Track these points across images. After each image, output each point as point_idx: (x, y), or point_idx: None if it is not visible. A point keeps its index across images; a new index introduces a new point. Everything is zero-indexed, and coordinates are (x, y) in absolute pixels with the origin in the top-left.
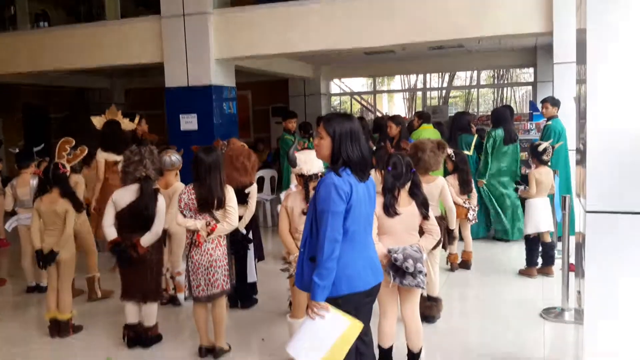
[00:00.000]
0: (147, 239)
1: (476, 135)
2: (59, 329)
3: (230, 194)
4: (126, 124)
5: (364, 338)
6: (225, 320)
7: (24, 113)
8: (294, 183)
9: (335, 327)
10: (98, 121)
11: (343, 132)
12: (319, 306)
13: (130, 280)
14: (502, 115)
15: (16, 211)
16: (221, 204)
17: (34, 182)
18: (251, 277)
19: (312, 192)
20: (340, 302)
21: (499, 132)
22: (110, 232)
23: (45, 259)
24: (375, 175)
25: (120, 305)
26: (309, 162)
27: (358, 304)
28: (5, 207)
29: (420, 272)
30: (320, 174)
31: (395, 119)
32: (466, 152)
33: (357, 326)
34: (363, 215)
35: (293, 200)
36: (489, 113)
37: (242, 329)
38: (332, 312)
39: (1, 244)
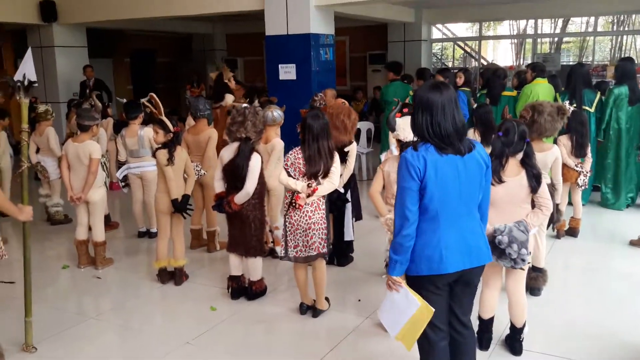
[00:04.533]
0: (239, 197)
1: (599, 93)
2: (173, 275)
3: (336, 157)
4: (231, 84)
5: (462, 318)
6: (324, 281)
7: (132, 57)
8: (393, 144)
9: (408, 306)
10: (214, 75)
11: (422, 105)
12: (393, 280)
13: (234, 235)
14: (628, 72)
15: (127, 160)
16: (328, 172)
17: (142, 132)
18: (348, 236)
19: None
20: (423, 282)
21: (623, 90)
22: (218, 185)
23: (185, 204)
24: (473, 135)
25: (224, 256)
26: (407, 128)
27: (447, 285)
28: (119, 157)
29: (523, 259)
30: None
31: (443, 72)
32: (587, 108)
33: (427, 310)
34: (453, 193)
35: (391, 165)
36: (605, 62)
37: (338, 288)
38: (405, 290)
39: (114, 187)
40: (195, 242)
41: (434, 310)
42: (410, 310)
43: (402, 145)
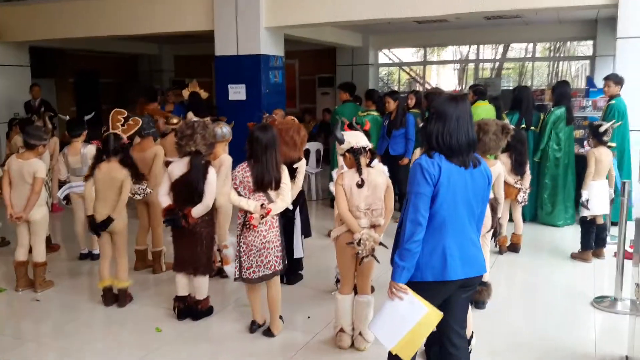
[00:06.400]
0: (197, 211)
1: (542, 114)
2: (117, 297)
3: (285, 172)
4: (203, 94)
5: (459, 330)
6: (279, 300)
7: (75, 78)
8: (342, 163)
9: (413, 312)
10: (185, 93)
11: (437, 114)
12: (398, 287)
13: (182, 253)
14: (565, 93)
15: (68, 179)
16: (278, 184)
17: (85, 150)
18: (297, 253)
19: (364, 167)
20: (426, 288)
21: (562, 111)
22: (164, 200)
23: (101, 225)
24: (420, 154)
25: (170, 277)
26: (356, 137)
27: (448, 294)
28: (59, 175)
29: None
30: (368, 148)
31: (392, 95)
32: (533, 128)
33: (435, 314)
34: (460, 203)
35: (350, 178)
36: (543, 87)
37: (288, 305)
38: (410, 296)
39: (54, 209)
40: (140, 263)
41: (442, 314)
42: (415, 316)
43: (355, 151)
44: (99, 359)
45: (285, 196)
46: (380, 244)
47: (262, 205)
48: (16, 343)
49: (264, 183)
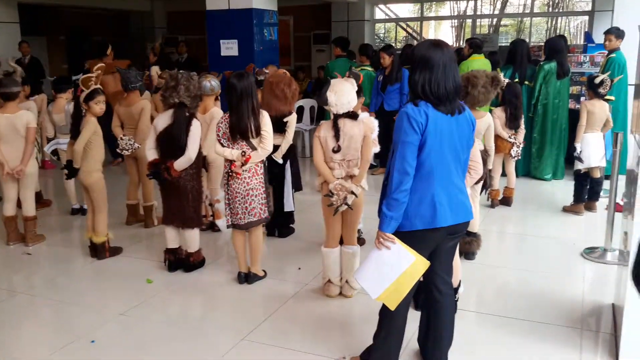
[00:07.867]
0: (180, 163)
1: (537, 69)
2: (96, 250)
3: (265, 118)
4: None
5: (446, 277)
6: (261, 246)
7: (67, 35)
8: None
9: (400, 261)
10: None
11: (422, 63)
12: (385, 237)
13: (170, 206)
14: (556, 47)
15: (55, 136)
16: (258, 131)
17: (69, 107)
18: (288, 207)
19: (341, 129)
20: (415, 237)
21: (553, 65)
22: (150, 154)
23: (69, 170)
24: None
25: (161, 231)
26: (340, 99)
27: (437, 242)
28: (46, 133)
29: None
30: (351, 110)
31: (388, 49)
32: (527, 82)
33: (422, 263)
34: (447, 151)
35: (325, 130)
36: (541, 44)
37: (278, 257)
38: (397, 245)
39: (46, 166)
40: (132, 218)
41: (429, 263)
42: (402, 266)
43: (335, 117)
44: (91, 309)
45: (265, 144)
46: (352, 193)
47: (242, 153)
48: (8, 295)
49: (241, 130)
